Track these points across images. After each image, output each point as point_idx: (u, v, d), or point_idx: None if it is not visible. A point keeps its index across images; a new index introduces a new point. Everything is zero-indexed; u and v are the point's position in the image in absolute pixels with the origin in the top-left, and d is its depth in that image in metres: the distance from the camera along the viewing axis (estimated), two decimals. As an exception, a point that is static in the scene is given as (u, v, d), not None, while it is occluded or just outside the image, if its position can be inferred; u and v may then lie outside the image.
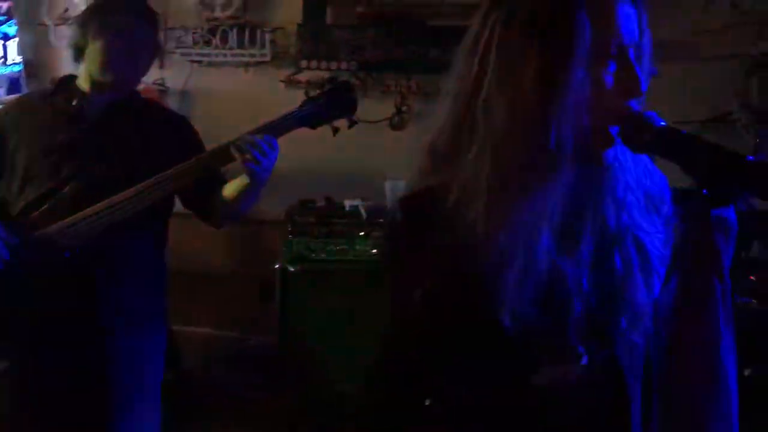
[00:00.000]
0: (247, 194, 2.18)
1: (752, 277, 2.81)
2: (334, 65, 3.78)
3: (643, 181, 1.02)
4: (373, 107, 3.82)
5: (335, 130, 2.17)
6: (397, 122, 3.85)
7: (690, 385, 0.83)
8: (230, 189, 2.22)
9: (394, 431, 1.18)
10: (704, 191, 0.84)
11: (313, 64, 3.80)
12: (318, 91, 2.18)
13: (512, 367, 1.03)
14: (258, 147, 1.99)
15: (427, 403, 1.15)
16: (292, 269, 3.45)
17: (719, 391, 0.81)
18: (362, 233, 3.48)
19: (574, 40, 0.92)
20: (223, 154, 2.07)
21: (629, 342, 1.03)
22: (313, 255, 3.49)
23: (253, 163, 2.00)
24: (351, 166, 3.68)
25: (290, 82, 3.86)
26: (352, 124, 2.15)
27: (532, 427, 1.06)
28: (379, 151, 3.73)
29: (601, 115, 0.95)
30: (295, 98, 3.74)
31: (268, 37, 3.84)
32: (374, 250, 3.48)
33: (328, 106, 2.12)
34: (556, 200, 0.97)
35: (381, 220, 3.48)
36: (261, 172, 2.02)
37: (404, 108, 3.83)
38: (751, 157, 0.83)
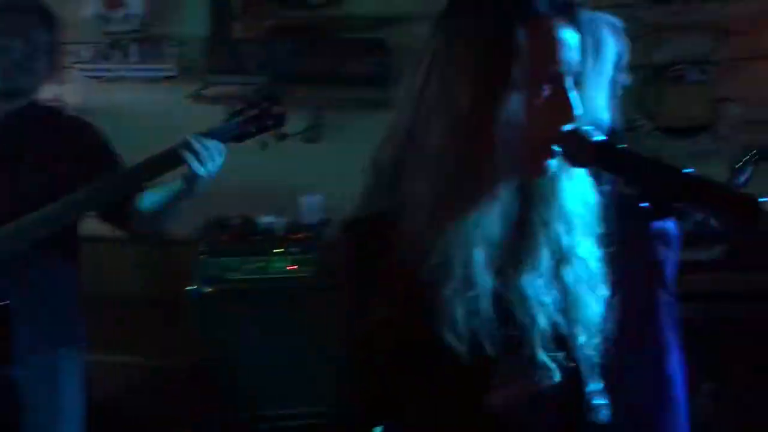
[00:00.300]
0: (177, 202, 2.07)
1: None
2: (242, 79, 3.70)
3: (581, 199, 1.03)
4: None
5: (264, 145, 2.09)
6: (312, 136, 3.80)
7: (640, 395, 0.83)
8: (156, 195, 2.08)
9: None
10: (645, 204, 0.85)
11: (222, 78, 3.70)
12: (240, 106, 2.06)
13: (466, 388, 1.01)
14: (208, 150, 1.88)
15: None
16: (206, 290, 3.35)
17: (668, 398, 0.82)
18: (279, 250, 3.41)
19: (512, 64, 0.92)
20: (163, 161, 1.95)
21: (586, 356, 1.04)
22: (229, 275, 3.40)
23: (201, 166, 1.89)
24: (265, 182, 3.61)
25: (198, 98, 3.74)
26: (283, 137, 2.07)
27: None
28: (293, 166, 3.68)
29: (538, 135, 0.95)
30: (204, 113, 3.72)
31: (172, 51, 3.71)
32: (292, 267, 3.42)
33: (258, 119, 2.02)
34: (493, 217, 0.97)
35: (298, 236, 3.43)
36: (206, 177, 1.92)
37: (318, 121, 3.79)
38: (688, 170, 0.84)
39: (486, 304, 0.98)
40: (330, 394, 3.37)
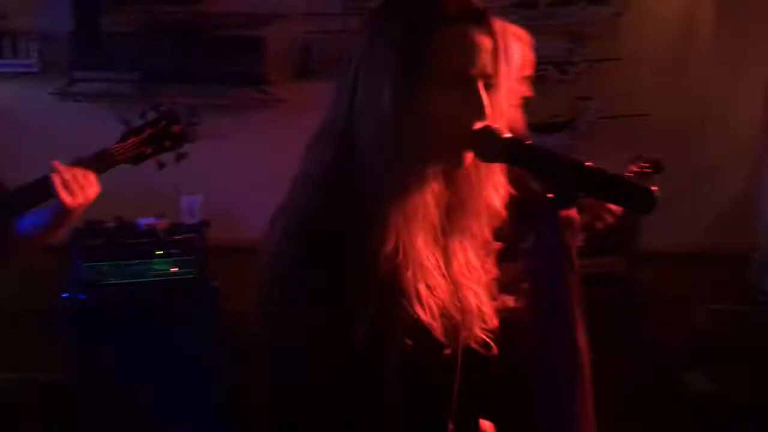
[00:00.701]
0: (54, 229, 1.92)
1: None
2: (112, 76, 3.56)
3: (490, 195, 1.11)
4: (160, 120, 3.66)
5: (161, 165, 1.95)
6: (188, 136, 3.71)
7: (554, 371, 0.92)
8: (34, 219, 1.93)
9: None
10: (551, 195, 0.94)
11: (89, 75, 3.54)
12: (140, 122, 1.92)
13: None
14: (78, 181, 1.76)
15: None
16: (82, 297, 3.20)
17: (580, 368, 0.92)
18: (159, 252, 3.31)
19: (428, 65, 0.99)
20: (34, 192, 1.80)
21: (474, 336, 1.12)
22: (105, 280, 3.26)
23: (69, 197, 1.76)
24: (141, 183, 3.48)
25: (64, 95, 3.56)
26: (181, 157, 1.94)
27: None
28: (170, 166, 3.57)
29: (453, 131, 1.02)
30: (70, 111, 3.55)
31: (34, 46, 3.50)
32: (174, 269, 3.33)
33: (155, 139, 1.91)
34: (426, 203, 1.04)
35: (179, 237, 3.34)
36: (76, 209, 1.80)
37: (194, 120, 3.69)
38: (589, 163, 0.94)
39: (437, 282, 1.04)
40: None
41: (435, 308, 1.01)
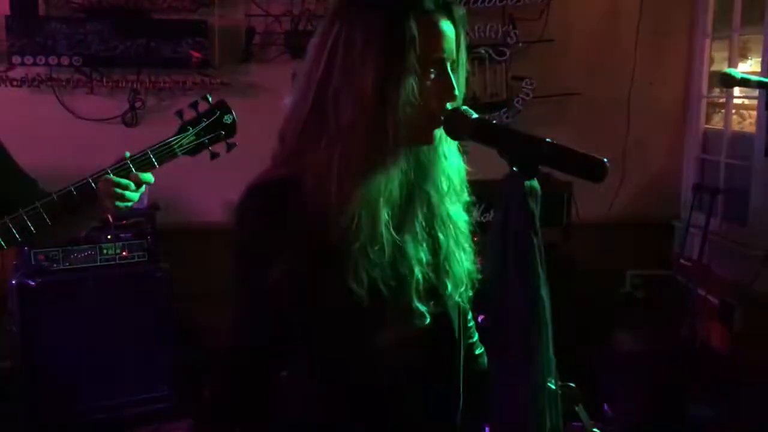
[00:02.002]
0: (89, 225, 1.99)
1: (475, 237, 3.29)
2: (53, 60, 3.52)
3: (455, 167, 1.24)
4: (102, 104, 3.65)
5: (214, 155, 1.92)
6: (131, 119, 3.71)
7: (521, 320, 1.05)
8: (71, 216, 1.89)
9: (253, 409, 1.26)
10: (515, 167, 1.07)
11: (28, 59, 3.49)
12: (193, 113, 1.88)
13: (363, 330, 1.18)
14: (127, 188, 1.79)
15: (283, 374, 1.25)
16: (31, 284, 3.18)
17: (542, 320, 1.05)
18: (109, 237, 3.32)
19: (405, 51, 1.10)
20: (75, 196, 1.81)
21: (454, 303, 1.27)
22: (55, 266, 3.26)
23: (119, 203, 1.79)
24: (85, 167, 3.45)
25: (2, 80, 3.50)
26: (231, 147, 1.90)
27: (380, 383, 1.22)
28: (114, 150, 3.55)
29: (426, 112, 1.14)
30: (10, 97, 3.49)
31: (-32, 30, 3.43)
32: (124, 253, 3.35)
33: (210, 130, 1.88)
34: (392, 181, 1.15)
35: (126, 221, 3.35)
36: (123, 211, 1.85)
37: (137, 104, 3.70)
38: (548, 139, 1.07)
39: (384, 257, 1.16)
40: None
41: (366, 281, 1.14)
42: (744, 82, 1.99)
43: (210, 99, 1.88)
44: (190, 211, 3.70)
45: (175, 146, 1.86)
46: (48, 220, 1.78)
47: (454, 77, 1.15)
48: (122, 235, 3.36)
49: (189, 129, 1.87)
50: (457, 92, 1.15)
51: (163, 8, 3.62)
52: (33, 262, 3.23)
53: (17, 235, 1.78)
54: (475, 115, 1.13)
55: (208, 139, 1.88)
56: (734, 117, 3.85)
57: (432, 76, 1.13)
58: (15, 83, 3.53)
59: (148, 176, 1.85)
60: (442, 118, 1.14)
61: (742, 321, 3.42)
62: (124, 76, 3.64)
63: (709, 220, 3.61)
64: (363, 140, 1.11)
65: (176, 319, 3.43)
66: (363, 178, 1.12)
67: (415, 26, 1.10)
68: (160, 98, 3.73)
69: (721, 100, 3.92)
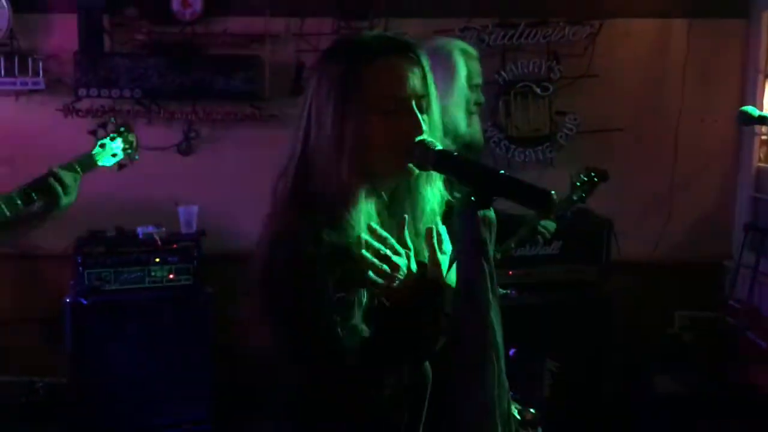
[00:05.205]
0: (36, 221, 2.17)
1: (510, 272, 3.28)
2: (115, 93, 3.75)
3: (433, 199, 1.31)
4: (160, 134, 3.85)
5: (121, 167, 2.37)
6: (185, 148, 3.91)
7: (469, 344, 1.09)
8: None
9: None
10: (472, 197, 1.11)
11: (93, 92, 3.74)
12: (103, 132, 2.32)
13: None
14: (62, 184, 2.03)
15: None
16: (83, 302, 3.37)
17: (490, 344, 1.08)
18: (157, 260, 3.49)
19: (362, 93, 1.20)
20: (33, 191, 2.05)
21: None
22: (106, 285, 3.44)
23: (65, 197, 2.03)
24: (141, 194, 3.67)
25: (69, 111, 3.76)
26: (132, 160, 2.38)
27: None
28: (169, 177, 3.77)
29: (392, 146, 1.21)
30: (75, 126, 3.73)
31: (41, 64, 3.71)
32: (171, 276, 3.51)
33: (118, 144, 2.32)
34: (371, 209, 1.25)
35: (177, 245, 3.52)
36: (60, 211, 2.06)
37: (192, 134, 3.90)
38: (503, 172, 1.11)
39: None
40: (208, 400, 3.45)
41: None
42: (761, 120, 1.96)
43: (114, 121, 2.34)
44: (235, 238, 3.84)
45: (96, 157, 2.25)
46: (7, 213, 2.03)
47: (421, 113, 1.22)
48: (170, 258, 3.52)
49: (105, 145, 2.29)
50: (424, 126, 1.21)
51: (217, 44, 3.82)
52: (86, 282, 3.42)
53: None
54: (438, 147, 1.19)
55: (117, 153, 2.30)
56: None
57: (396, 114, 1.21)
58: (80, 114, 3.77)
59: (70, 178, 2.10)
60: (407, 154, 1.21)
61: (792, 367, 3.28)
62: (181, 107, 3.85)
63: (760, 261, 3.49)
64: (338, 176, 1.20)
65: (218, 341, 3.55)
66: (347, 208, 1.21)
67: (373, 71, 1.20)
68: (213, 129, 3.92)
69: (776, 138, 3.82)
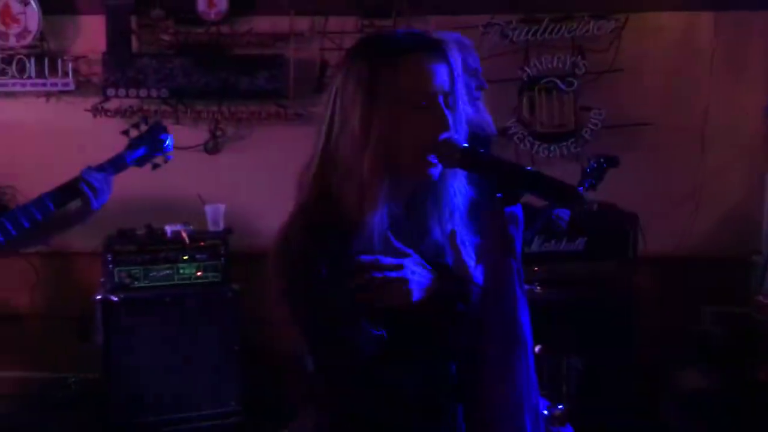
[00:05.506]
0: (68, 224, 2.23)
1: (535, 269, 3.28)
2: (143, 93, 3.81)
3: (460, 194, 1.31)
4: (186, 133, 3.89)
5: (156, 166, 2.37)
6: (212, 147, 3.96)
7: (497, 340, 1.10)
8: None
9: None
10: (498, 194, 1.13)
11: (121, 92, 3.80)
12: (136, 132, 2.33)
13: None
14: (102, 184, 2.09)
15: None
16: (114, 299, 3.43)
17: (519, 340, 1.09)
18: (186, 257, 3.54)
19: (387, 90, 1.20)
20: (63, 195, 2.10)
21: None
22: (136, 283, 3.50)
23: (95, 200, 2.08)
24: (168, 193, 3.72)
25: (98, 111, 3.82)
26: (166, 160, 2.39)
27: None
28: (196, 176, 3.82)
29: (419, 143, 1.22)
30: (104, 126, 3.79)
31: (70, 65, 3.77)
32: (199, 273, 3.56)
33: (151, 144, 2.32)
34: (395, 205, 1.24)
35: (204, 243, 3.57)
36: (95, 211, 2.11)
37: (218, 133, 3.94)
38: (529, 168, 1.12)
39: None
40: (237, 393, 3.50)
41: None
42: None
43: (148, 122, 2.32)
44: (261, 235, 3.88)
45: (126, 158, 2.25)
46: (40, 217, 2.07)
47: (448, 110, 1.23)
48: (198, 256, 3.57)
49: (136, 145, 2.28)
50: (450, 123, 1.22)
51: (242, 44, 3.86)
52: (116, 279, 3.48)
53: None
54: (464, 144, 1.20)
55: (150, 153, 2.29)
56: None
57: (423, 111, 1.21)
58: (109, 113, 3.84)
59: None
60: (434, 151, 1.22)
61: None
62: (207, 107, 3.89)
63: (789, 256, 3.46)
64: (361, 174, 1.20)
65: (245, 337, 3.60)
66: (370, 207, 1.20)
67: (402, 66, 1.20)
68: (239, 128, 3.96)
69: (805, 131, 3.77)
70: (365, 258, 1.18)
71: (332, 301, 1.19)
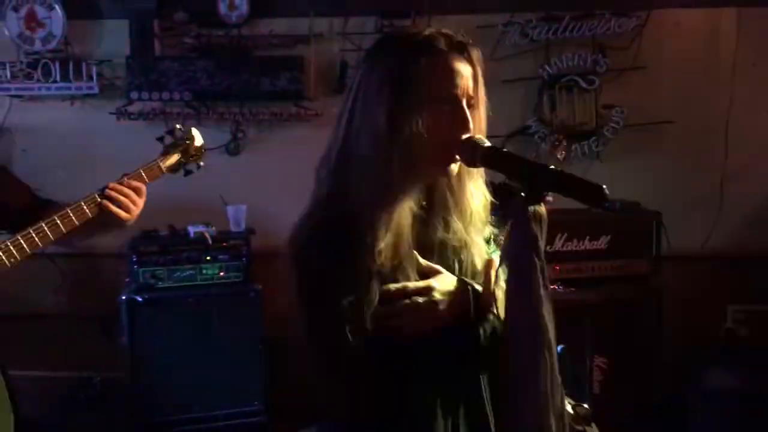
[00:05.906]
0: (102, 232, 2.19)
1: (556, 267, 3.27)
2: (166, 95, 3.84)
3: (477, 195, 1.31)
4: (208, 135, 3.90)
5: (188, 172, 2.35)
6: (233, 148, 3.99)
7: (522, 340, 1.10)
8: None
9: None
10: (522, 193, 1.13)
11: (144, 95, 3.84)
12: (171, 140, 2.29)
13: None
14: (129, 197, 2.05)
15: None
16: (138, 299, 3.47)
17: (543, 340, 1.09)
18: (208, 258, 3.57)
19: (414, 89, 1.20)
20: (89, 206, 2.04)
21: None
22: (160, 283, 3.53)
23: (124, 212, 2.04)
24: (191, 194, 3.74)
25: (122, 114, 3.86)
26: (199, 167, 2.36)
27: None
28: (218, 177, 3.84)
29: (441, 143, 1.22)
30: (127, 129, 3.84)
31: (94, 69, 3.82)
32: (222, 273, 3.59)
33: (184, 152, 2.30)
34: (407, 210, 1.24)
35: (227, 243, 3.60)
36: (129, 219, 2.08)
37: (239, 135, 3.97)
38: (552, 166, 1.12)
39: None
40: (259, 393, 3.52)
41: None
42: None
43: (181, 128, 2.28)
44: (283, 235, 3.89)
45: (161, 164, 2.20)
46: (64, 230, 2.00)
47: (470, 111, 1.23)
48: (220, 256, 3.60)
49: (170, 151, 2.24)
50: (471, 124, 1.23)
51: (263, 46, 3.88)
52: (141, 280, 3.52)
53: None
54: (487, 144, 1.21)
55: (183, 159, 2.26)
56: None
57: (446, 110, 1.22)
58: (132, 116, 3.88)
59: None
60: (457, 150, 1.22)
61: None
62: (228, 108, 3.92)
63: (815, 254, 3.41)
64: (381, 170, 1.20)
65: (268, 336, 3.62)
66: (386, 206, 1.20)
67: (425, 67, 1.20)
68: (260, 129, 3.98)
69: (832, 128, 3.72)
70: (393, 286, 1.19)
71: (333, 306, 1.19)
